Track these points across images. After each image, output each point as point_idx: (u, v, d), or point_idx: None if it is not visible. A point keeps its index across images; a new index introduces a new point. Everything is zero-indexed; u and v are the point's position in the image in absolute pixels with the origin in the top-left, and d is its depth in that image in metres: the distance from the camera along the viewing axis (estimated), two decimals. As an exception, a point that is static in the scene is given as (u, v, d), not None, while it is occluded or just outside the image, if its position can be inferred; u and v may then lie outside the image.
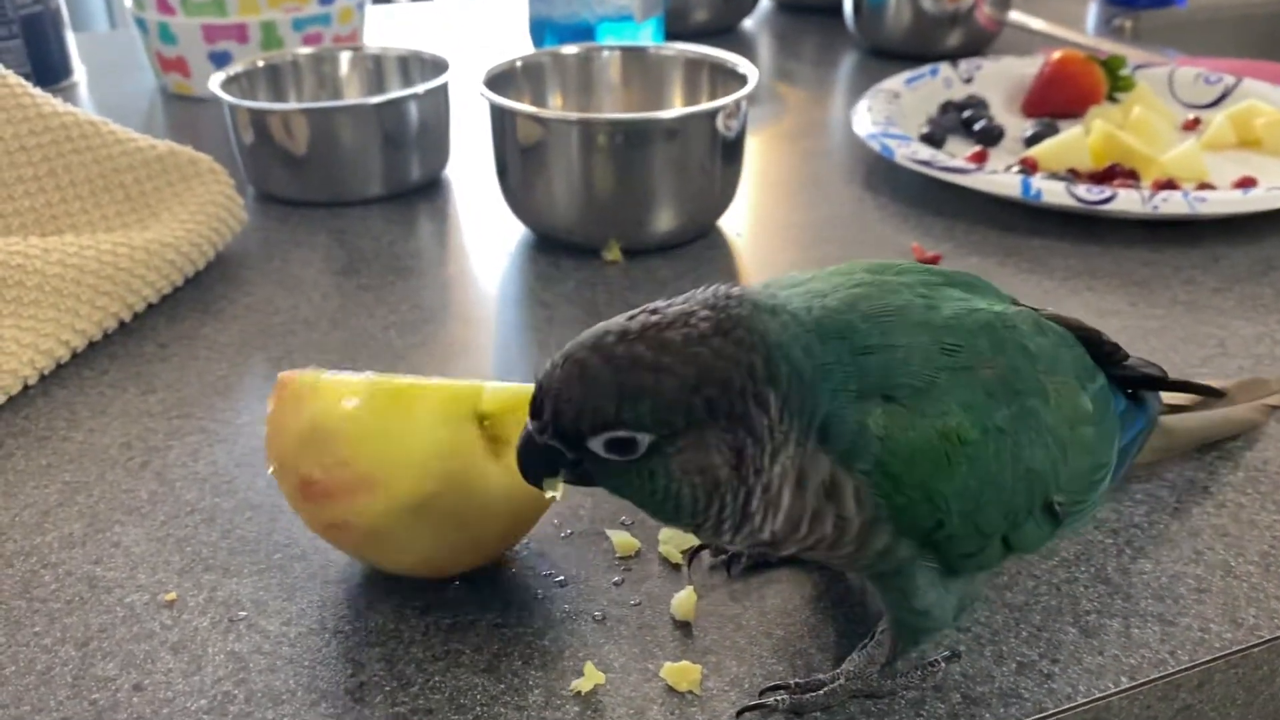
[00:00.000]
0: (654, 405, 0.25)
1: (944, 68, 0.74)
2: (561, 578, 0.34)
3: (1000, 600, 0.33)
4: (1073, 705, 0.30)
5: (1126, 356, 0.34)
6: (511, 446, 0.30)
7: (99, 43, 0.98)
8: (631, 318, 0.27)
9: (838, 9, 0.92)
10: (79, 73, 0.83)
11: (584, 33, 0.77)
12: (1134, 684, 0.31)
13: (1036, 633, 0.32)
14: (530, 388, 0.28)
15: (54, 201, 0.50)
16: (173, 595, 0.34)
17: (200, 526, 0.37)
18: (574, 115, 0.52)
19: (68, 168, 0.51)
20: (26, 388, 0.44)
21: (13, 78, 0.51)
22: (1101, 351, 0.33)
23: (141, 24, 0.77)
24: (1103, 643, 0.32)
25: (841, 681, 0.30)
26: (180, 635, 0.32)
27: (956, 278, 0.31)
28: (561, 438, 0.27)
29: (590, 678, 0.30)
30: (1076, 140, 0.63)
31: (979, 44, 0.86)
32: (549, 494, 0.29)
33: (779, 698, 0.29)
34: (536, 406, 0.27)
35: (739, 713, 0.29)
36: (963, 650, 0.31)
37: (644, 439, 0.26)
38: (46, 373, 0.45)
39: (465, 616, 0.33)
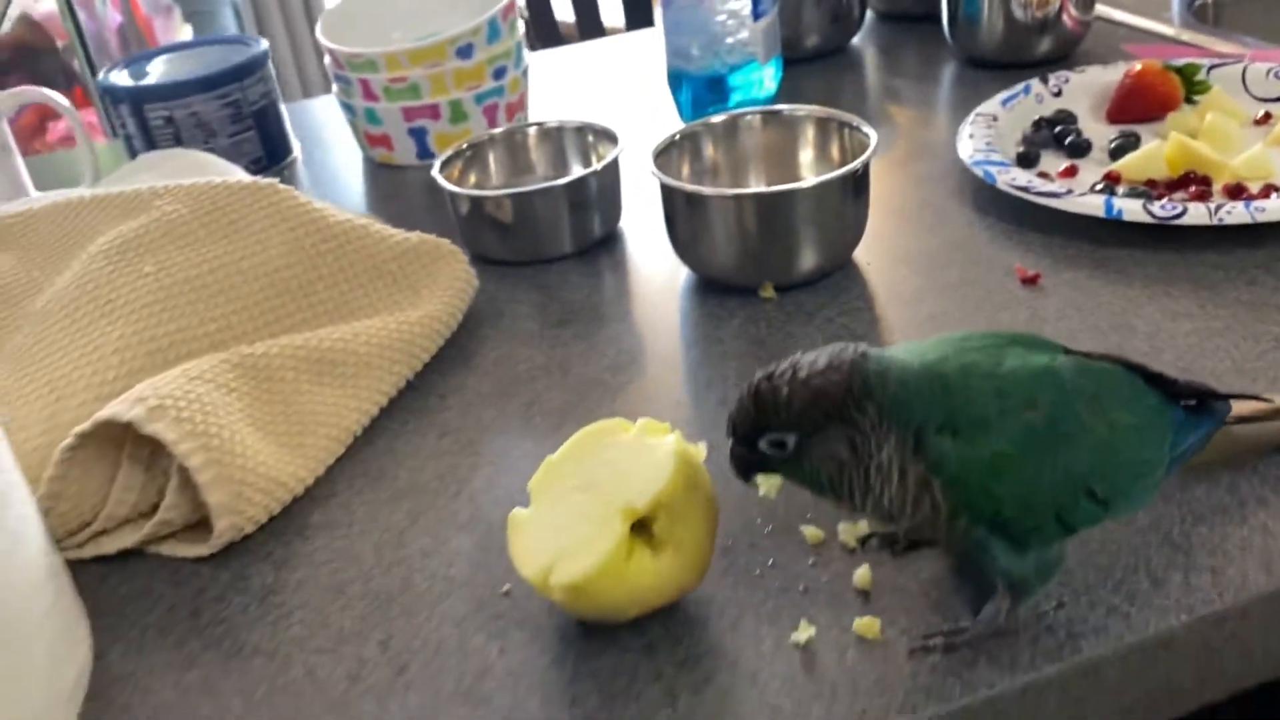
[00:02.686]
0: (788, 416, 0.41)
1: (1035, 84, 0.85)
2: (771, 561, 0.49)
3: (1092, 563, 0.46)
4: (1145, 635, 0.43)
5: (1175, 380, 0.46)
6: (663, 544, 0.44)
7: (297, 116, 1.15)
8: (777, 366, 0.42)
9: (936, 17, 1.02)
10: (296, 149, 1.00)
11: (717, 81, 0.90)
12: (1192, 617, 0.43)
13: (1118, 585, 0.45)
14: (670, 480, 0.44)
15: (345, 292, 0.66)
16: (507, 588, 0.49)
17: (510, 538, 0.52)
18: (729, 191, 0.65)
19: (351, 264, 0.67)
20: (355, 440, 0.60)
21: (303, 195, 0.67)
22: (1150, 375, 0.45)
23: (349, 108, 0.93)
24: (1169, 590, 0.44)
25: (980, 627, 0.43)
26: (521, 616, 0.48)
27: (1020, 338, 0.44)
28: (744, 444, 0.42)
29: (804, 631, 0.45)
30: (1154, 152, 0.74)
31: (1067, 46, 0.95)
32: (761, 490, 0.45)
33: (936, 640, 0.43)
34: (730, 429, 0.43)
35: (910, 651, 0.43)
36: (1066, 601, 0.45)
37: (790, 438, 0.41)
38: (366, 427, 0.61)
39: (706, 591, 0.47)
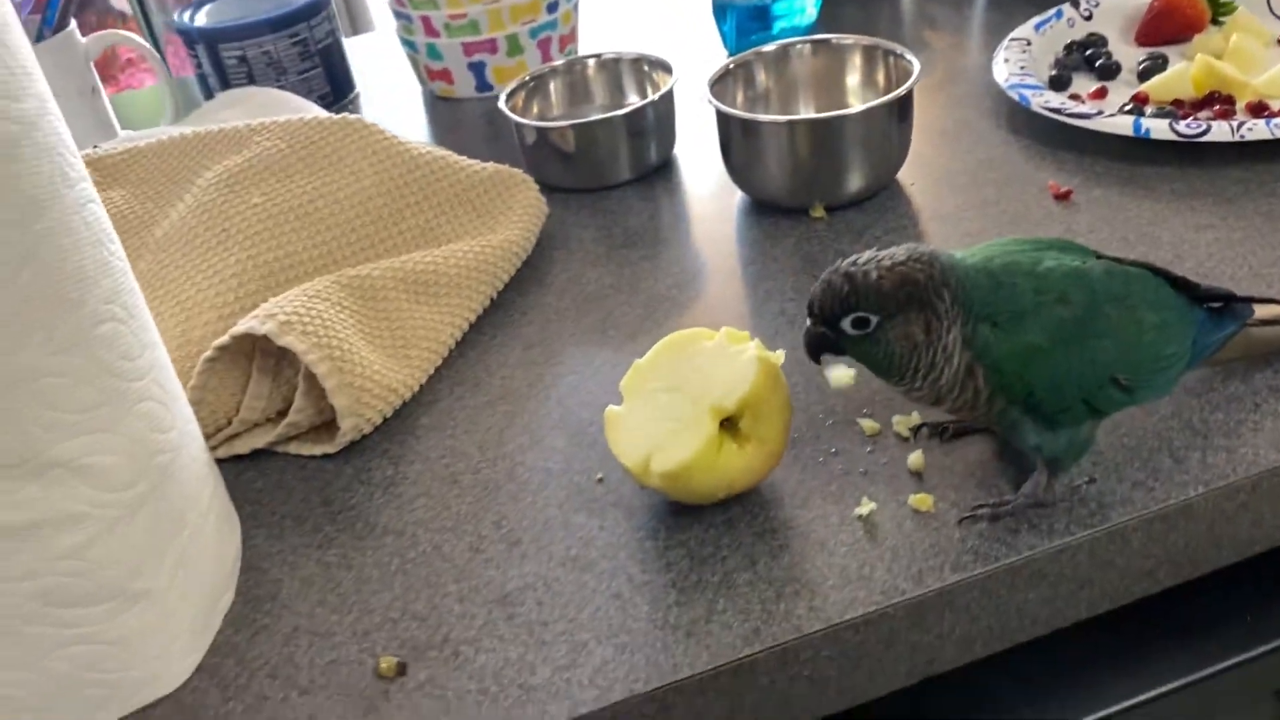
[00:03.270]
0: (878, 297, 0.46)
1: (1067, 8, 0.89)
2: (834, 450, 0.55)
3: (1120, 445, 0.52)
4: (1166, 505, 0.49)
5: (1197, 285, 0.51)
6: (747, 438, 0.50)
7: (352, 51, 1.19)
8: (859, 256, 0.47)
9: (969, -55, 1.05)
10: (359, 85, 1.05)
11: (761, 10, 0.94)
12: (1208, 489, 0.49)
13: (1144, 463, 0.51)
14: (754, 382, 0.49)
15: (430, 219, 0.72)
16: (600, 476, 0.56)
17: (599, 433, 0.58)
18: (783, 118, 0.70)
19: (435, 193, 0.72)
20: (450, 353, 0.67)
21: (388, 130, 0.73)
22: (1175, 281, 0.51)
23: (410, 44, 0.98)
24: (1188, 466, 0.51)
25: (1021, 500, 0.49)
26: (615, 499, 0.54)
27: (1056, 244, 0.50)
28: (825, 324, 0.47)
29: (866, 506, 0.51)
30: (1181, 73, 0.78)
31: (1098, -30, 0.98)
32: (831, 379, 0.50)
33: (983, 511, 0.50)
34: (810, 309, 0.48)
35: (960, 521, 0.50)
36: (1097, 477, 0.51)
37: (874, 318, 0.46)
38: (459, 341, 0.67)
39: (777, 477, 0.54)
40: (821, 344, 0.49)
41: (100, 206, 0.45)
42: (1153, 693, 0.53)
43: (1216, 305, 0.52)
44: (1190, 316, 0.50)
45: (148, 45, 0.92)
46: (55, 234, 0.41)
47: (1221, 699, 0.54)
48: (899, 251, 0.47)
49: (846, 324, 0.47)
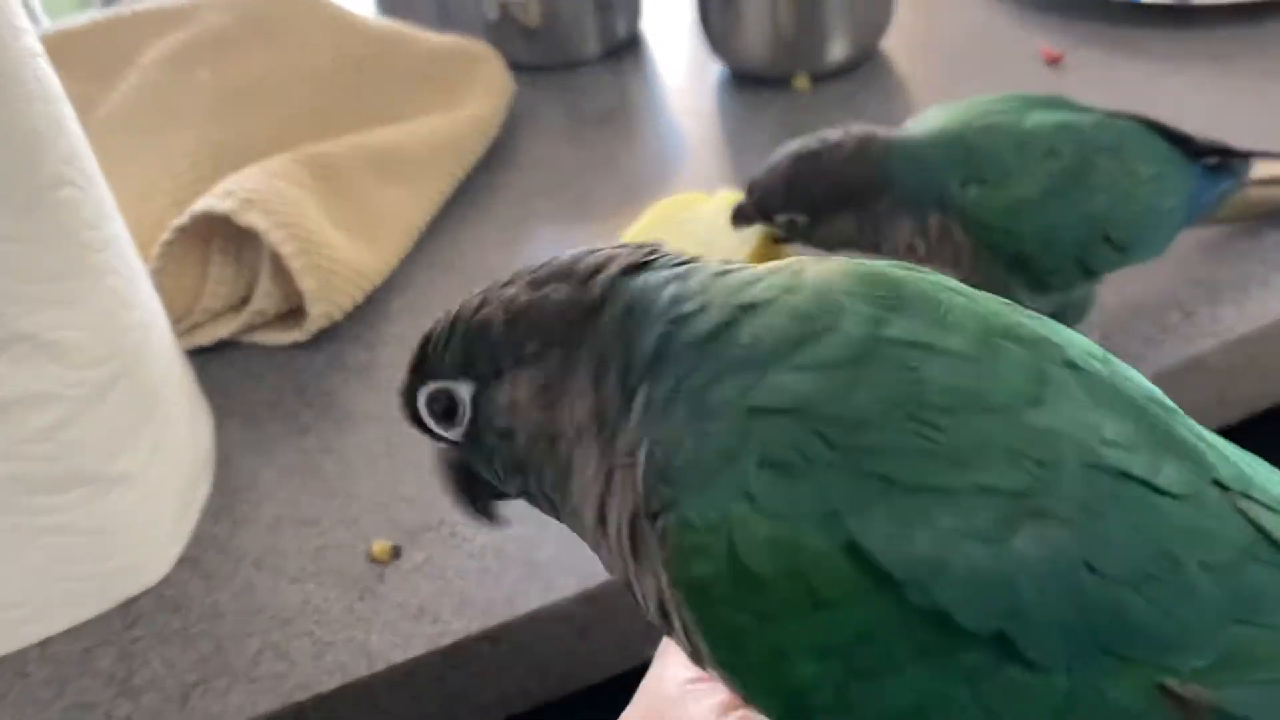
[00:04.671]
0: (804, 202, 0.45)
1: (1046, -128, 0.85)
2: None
3: (1129, 303, 0.51)
4: (1178, 359, 0.48)
5: (1193, 138, 0.49)
6: None
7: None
8: (806, 145, 0.46)
9: None
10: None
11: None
12: (1219, 342, 0.48)
13: (1155, 320, 0.50)
14: (759, 242, 0.48)
15: (390, 94, 0.68)
16: (591, 354, 0.53)
17: (585, 312, 0.56)
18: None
19: (393, 67, 0.68)
20: (420, 235, 0.63)
21: (333, 4, 0.68)
22: (1170, 135, 0.49)
23: (355, -79, 0.92)
24: (1198, 320, 0.49)
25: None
26: (608, 375, 0.52)
27: (1043, 99, 0.47)
28: (760, 213, 0.47)
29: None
30: (1168, -65, 0.75)
31: None
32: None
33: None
34: (748, 191, 0.47)
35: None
36: (1107, 335, 0.49)
37: (800, 219, 0.46)
38: (429, 220, 0.64)
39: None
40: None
41: (48, 63, 0.41)
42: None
43: (1213, 161, 0.50)
44: (1186, 171, 0.48)
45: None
46: (5, 84, 0.37)
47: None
48: (848, 145, 0.45)
49: (780, 220, 0.46)
